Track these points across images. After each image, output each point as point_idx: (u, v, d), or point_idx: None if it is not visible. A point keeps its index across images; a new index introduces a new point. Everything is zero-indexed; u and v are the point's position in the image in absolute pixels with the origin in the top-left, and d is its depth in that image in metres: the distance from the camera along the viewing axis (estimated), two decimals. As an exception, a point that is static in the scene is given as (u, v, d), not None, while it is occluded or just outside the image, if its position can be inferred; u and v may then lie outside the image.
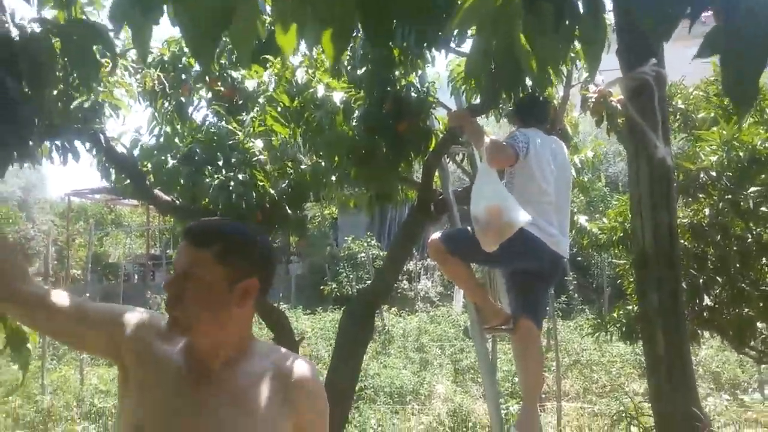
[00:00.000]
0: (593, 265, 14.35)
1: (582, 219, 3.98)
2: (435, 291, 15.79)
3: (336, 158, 3.39)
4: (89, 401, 7.98)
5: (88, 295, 11.71)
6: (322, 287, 15.52)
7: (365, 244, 15.90)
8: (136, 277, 22.37)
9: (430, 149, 3.41)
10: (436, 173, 3.61)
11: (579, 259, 16.59)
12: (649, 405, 1.94)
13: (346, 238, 16.94)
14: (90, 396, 8.17)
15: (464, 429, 6.73)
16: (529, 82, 3.19)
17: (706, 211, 3.32)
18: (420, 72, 3.43)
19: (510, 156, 3.04)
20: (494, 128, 4.21)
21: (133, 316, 1.47)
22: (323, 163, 3.51)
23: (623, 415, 2.05)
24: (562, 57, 2.30)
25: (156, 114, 3.34)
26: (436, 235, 3.26)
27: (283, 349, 1.51)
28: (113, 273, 22.55)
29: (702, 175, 3.15)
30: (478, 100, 3.43)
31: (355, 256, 15.94)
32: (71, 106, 2.54)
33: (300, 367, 1.45)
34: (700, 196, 3.30)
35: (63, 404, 7.79)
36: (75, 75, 1.91)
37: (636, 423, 1.95)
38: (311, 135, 3.32)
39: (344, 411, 3.34)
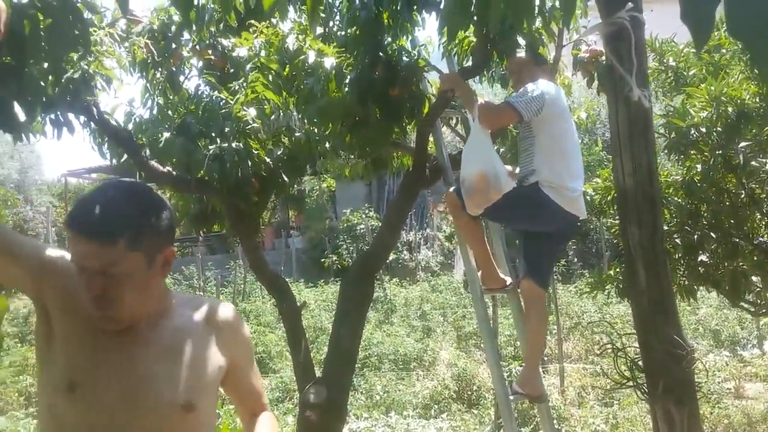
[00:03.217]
0: (592, 230, 14.40)
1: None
2: (435, 260, 15.86)
3: (329, 125, 3.39)
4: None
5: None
6: (322, 260, 15.59)
7: (363, 216, 15.94)
8: (137, 255, 22.43)
9: (424, 113, 3.41)
10: (430, 137, 3.61)
11: (578, 224, 16.53)
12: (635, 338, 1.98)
13: (344, 210, 16.97)
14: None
15: (469, 392, 6.84)
16: (522, 42, 3.19)
17: (698, 167, 3.33)
18: (411, 36, 3.41)
19: (507, 115, 2.98)
20: (487, 91, 4.20)
21: (60, 259, 1.38)
22: (317, 131, 3.52)
23: (609, 348, 2.09)
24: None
25: (148, 85, 3.33)
26: (453, 188, 3.26)
27: (200, 297, 1.57)
28: (114, 252, 22.56)
29: (692, 132, 3.15)
30: (470, 63, 3.42)
31: (354, 228, 15.99)
32: (62, 79, 2.54)
33: (225, 311, 1.50)
34: (692, 153, 3.30)
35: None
36: (61, 46, 1.89)
37: (622, 355, 1.99)
38: (303, 103, 3.31)
39: (348, 373, 3.40)
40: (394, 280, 13.79)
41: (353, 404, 6.88)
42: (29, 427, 5.39)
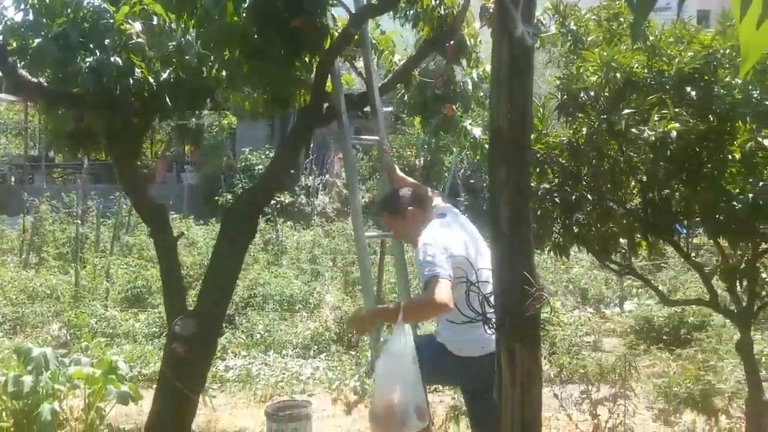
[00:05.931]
0: (485, 188, 14.92)
1: (476, 131, 4.03)
2: (332, 207, 15.89)
3: (227, 52, 3.20)
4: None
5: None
6: (216, 198, 15.16)
7: (263, 156, 15.59)
8: (13, 179, 21.13)
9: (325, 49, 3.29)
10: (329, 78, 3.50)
11: (471, 181, 17.18)
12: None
13: (243, 149, 16.51)
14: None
15: (349, 335, 6.97)
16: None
17: (584, 130, 3.45)
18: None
19: (437, 292, 2.62)
20: (402, 32, 4.08)
21: None
22: (213, 58, 3.31)
23: (466, 283, 2.16)
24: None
25: (21, -16, 2.99)
26: None
27: None
28: (-14, 174, 21.07)
29: (582, 95, 3.25)
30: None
31: (252, 168, 15.64)
32: None
33: None
34: (580, 116, 3.42)
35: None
36: None
37: (475, 290, 2.05)
38: (200, 25, 3.10)
39: (221, 309, 3.32)
40: (288, 223, 13.67)
41: (232, 342, 6.84)
42: None
